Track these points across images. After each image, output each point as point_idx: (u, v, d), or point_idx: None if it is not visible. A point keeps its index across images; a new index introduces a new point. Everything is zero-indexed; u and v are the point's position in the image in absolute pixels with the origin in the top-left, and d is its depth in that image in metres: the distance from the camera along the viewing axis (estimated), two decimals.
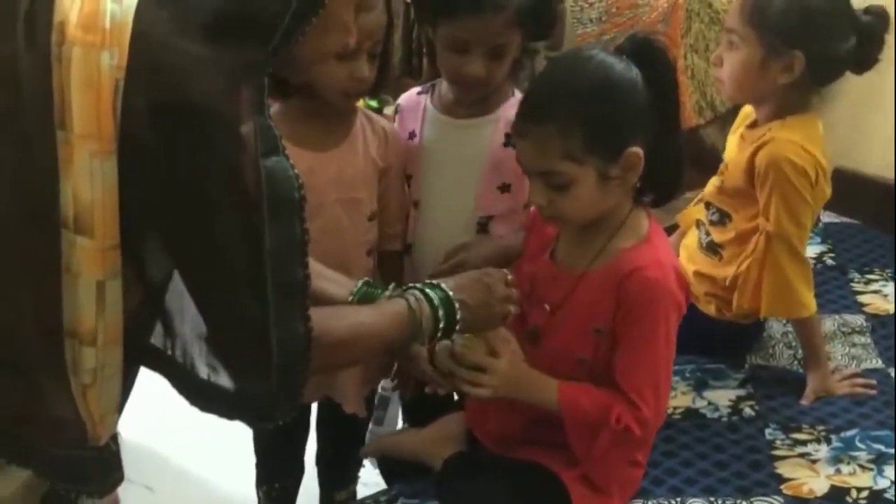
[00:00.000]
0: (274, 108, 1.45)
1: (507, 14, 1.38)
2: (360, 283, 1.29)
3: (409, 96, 1.61)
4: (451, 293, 1.17)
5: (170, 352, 1.04)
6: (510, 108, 1.50)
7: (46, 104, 0.86)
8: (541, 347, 1.34)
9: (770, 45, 1.55)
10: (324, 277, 1.27)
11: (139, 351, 1.02)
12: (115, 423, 0.99)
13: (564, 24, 2.55)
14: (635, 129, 1.21)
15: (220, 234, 0.92)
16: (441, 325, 1.16)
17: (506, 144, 1.49)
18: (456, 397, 1.49)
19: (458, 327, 1.19)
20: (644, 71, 1.21)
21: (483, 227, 1.52)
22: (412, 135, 1.56)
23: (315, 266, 1.13)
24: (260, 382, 0.96)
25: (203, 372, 1.02)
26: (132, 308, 0.96)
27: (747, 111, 1.71)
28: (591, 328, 1.27)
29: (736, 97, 1.71)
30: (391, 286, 1.25)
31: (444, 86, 1.55)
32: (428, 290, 1.17)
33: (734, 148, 1.71)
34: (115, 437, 1.01)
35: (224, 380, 1.01)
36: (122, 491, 2.04)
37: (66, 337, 0.91)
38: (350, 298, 1.26)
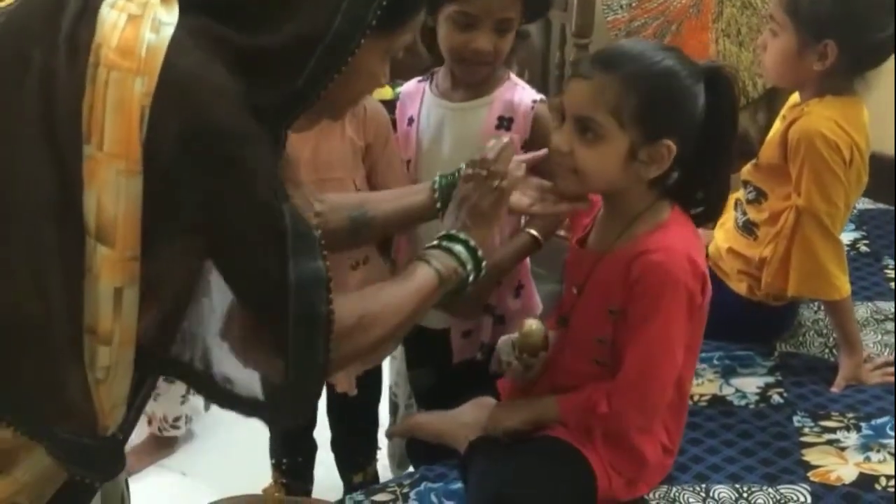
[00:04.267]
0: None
1: None
2: (437, 178, 1.31)
3: (410, 84, 1.64)
4: (469, 240, 1.18)
5: (188, 359, 1.07)
6: (505, 91, 1.53)
7: (76, 119, 0.91)
8: (568, 329, 1.35)
9: (804, 33, 1.55)
10: (402, 196, 1.33)
11: (160, 362, 1.05)
12: (122, 415, 1.03)
13: (594, 11, 2.55)
14: (679, 129, 1.22)
15: (243, 260, 0.97)
16: (470, 278, 1.17)
17: (498, 127, 1.51)
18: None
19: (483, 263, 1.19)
20: (708, 94, 1.24)
21: None
22: (411, 120, 1.59)
23: (387, 193, 1.25)
24: (275, 394, 1.01)
25: (220, 381, 1.06)
26: (150, 320, 1.00)
27: (794, 98, 1.70)
28: (606, 309, 1.28)
29: (777, 82, 1.72)
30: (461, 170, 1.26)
31: (441, 72, 1.57)
32: (449, 245, 1.17)
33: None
34: (123, 429, 1.05)
35: (240, 389, 1.05)
36: (158, 476, 2.11)
37: (85, 332, 0.95)
38: (436, 196, 1.30)
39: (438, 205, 1.30)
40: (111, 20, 0.92)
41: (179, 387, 2.07)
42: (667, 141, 1.21)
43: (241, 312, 1.01)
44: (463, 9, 1.42)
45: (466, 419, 1.45)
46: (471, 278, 1.17)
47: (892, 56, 1.60)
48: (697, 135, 1.24)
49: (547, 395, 1.35)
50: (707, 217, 1.35)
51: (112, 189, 0.91)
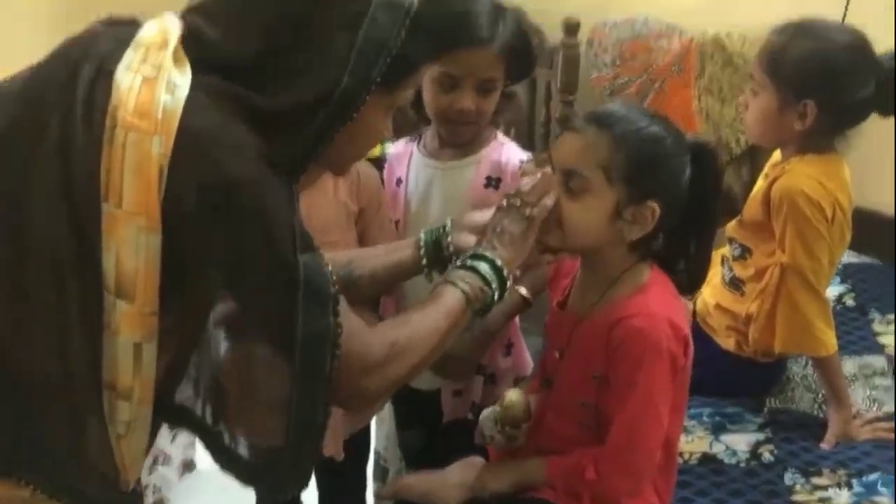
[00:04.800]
0: None
1: (493, 48, 1.44)
2: (422, 235, 1.31)
3: (398, 145, 1.66)
4: (496, 259, 1.18)
5: (200, 412, 1.09)
6: (492, 150, 1.55)
7: (94, 180, 0.94)
8: (552, 392, 1.35)
9: (784, 93, 1.58)
10: (388, 253, 1.33)
11: (166, 408, 1.07)
12: (141, 468, 1.04)
13: (579, 68, 2.59)
14: (664, 193, 1.24)
15: (254, 311, 0.99)
16: (496, 297, 1.18)
17: (486, 186, 1.52)
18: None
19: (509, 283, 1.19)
20: (693, 168, 1.26)
21: None
22: (399, 181, 1.60)
23: (372, 250, 1.25)
24: (273, 457, 1.02)
25: (226, 437, 1.07)
26: (162, 368, 1.01)
27: (776, 156, 1.72)
28: (589, 374, 1.27)
29: (759, 141, 1.75)
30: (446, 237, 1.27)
31: (429, 133, 1.59)
32: (474, 264, 1.17)
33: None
34: (139, 481, 1.06)
35: (242, 448, 1.06)
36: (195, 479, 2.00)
37: (104, 388, 0.97)
38: (421, 252, 1.29)
39: (424, 261, 1.30)
40: (126, 83, 0.95)
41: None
42: (651, 203, 1.23)
43: (239, 368, 1.02)
44: (446, 70, 1.45)
45: (454, 480, 1.43)
46: (496, 297, 1.17)
47: (871, 114, 1.63)
48: (681, 205, 1.25)
49: (534, 458, 1.34)
50: (689, 287, 1.35)
51: (132, 245, 0.94)
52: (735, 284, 1.72)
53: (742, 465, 1.57)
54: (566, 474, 1.28)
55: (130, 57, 0.97)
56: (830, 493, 1.49)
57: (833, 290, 2.02)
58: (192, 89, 0.95)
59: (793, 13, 1.66)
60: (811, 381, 1.77)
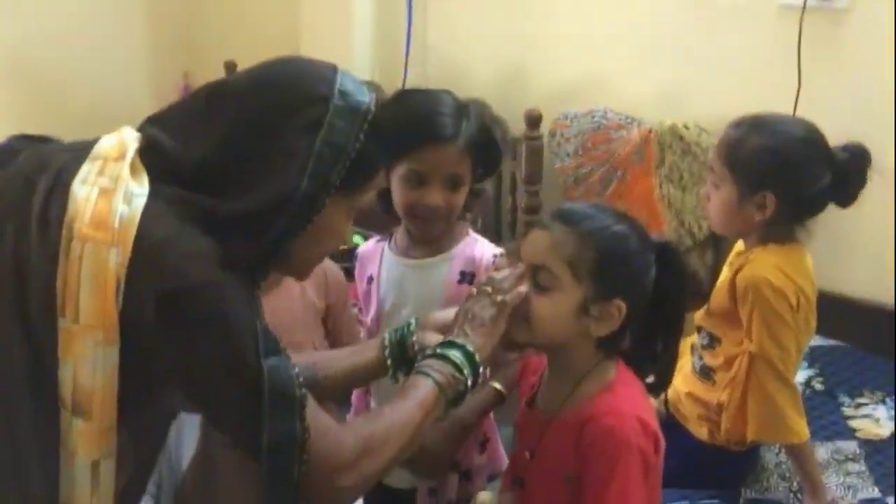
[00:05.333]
0: None
1: (459, 144, 1.46)
2: (386, 335, 1.30)
3: (368, 244, 1.67)
4: (467, 345, 1.18)
5: None
6: (465, 247, 1.55)
7: (50, 295, 0.92)
8: (526, 494, 1.32)
9: (742, 185, 1.61)
10: (352, 354, 1.32)
11: None
12: None
13: (542, 159, 2.64)
14: (630, 290, 1.25)
15: (220, 417, 0.98)
16: (469, 383, 1.17)
17: (460, 282, 1.53)
18: None
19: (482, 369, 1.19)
20: (659, 267, 1.27)
21: None
22: (371, 279, 1.60)
23: (337, 353, 1.24)
24: None
25: None
26: (123, 482, 0.99)
27: (739, 245, 1.75)
28: (562, 476, 1.26)
29: (722, 232, 1.77)
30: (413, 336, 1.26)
31: (399, 231, 1.60)
32: (444, 352, 1.17)
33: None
34: None
35: None
36: None
37: None
38: (386, 353, 1.28)
39: (388, 361, 1.29)
40: (83, 195, 0.94)
41: None
42: (618, 301, 1.24)
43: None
44: (413, 167, 1.47)
45: None
46: (469, 383, 1.16)
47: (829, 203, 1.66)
48: (647, 303, 1.26)
49: None
50: (657, 387, 1.35)
51: (89, 361, 0.91)
52: (705, 373, 1.72)
53: None
54: None
55: (87, 169, 0.96)
56: None
57: (801, 375, 2.03)
58: (150, 198, 0.95)
59: (746, 103, 1.71)
60: (785, 469, 1.76)
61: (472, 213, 1.62)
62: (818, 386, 2.06)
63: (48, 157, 1.00)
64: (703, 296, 1.76)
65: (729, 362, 1.67)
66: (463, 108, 1.50)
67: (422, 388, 1.12)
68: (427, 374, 1.13)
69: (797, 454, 1.65)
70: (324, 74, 1.03)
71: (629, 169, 2.55)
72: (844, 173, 1.61)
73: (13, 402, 0.93)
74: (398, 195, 1.51)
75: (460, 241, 1.56)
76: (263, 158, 0.98)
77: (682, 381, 1.77)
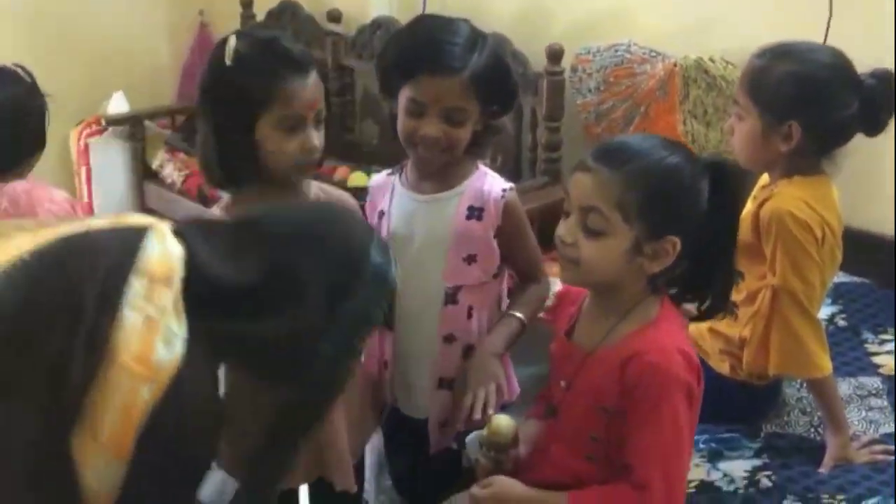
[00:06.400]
0: (226, 198, 1.49)
1: (462, 78, 1.43)
2: None
3: (380, 177, 1.65)
4: None
5: None
6: (474, 181, 1.53)
7: (78, 404, 0.95)
8: (559, 423, 1.33)
9: (767, 116, 1.58)
10: None
11: None
12: None
13: (564, 94, 2.60)
14: (684, 225, 1.23)
15: None
16: None
17: (469, 217, 1.51)
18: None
19: None
20: (711, 188, 1.25)
21: (452, 296, 1.54)
22: (381, 213, 1.59)
23: None
24: None
25: None
26: None
27: (765, 178, 1.72)
28: (599, 407, 1.26)
29: (746, 165, 1.74)
30: None
31: (409, 165, 1.58)
32: None
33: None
34: None
35: None
36: None
37: None
38: None
39: None
40: (130, 323, 0.96)
41: None
42: (672, 237, 1.22)
43: None
44: (412, 96, 1.45)
45: None
46: None
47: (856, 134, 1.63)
48: (702, 231, 1.24)
49: (553, 493, 1.28)
50: (713, 311, 1.33)
51: (100, 470, 0.95)
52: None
53: (741, 492, 1.54)
54: None
55: (135, 290, 0.97)
56: None
57: (825, 311, 2.01)
58: (189, 343, 0.97)
59: (774, 36, 1.66)
60: (806, 404, 1.75)
61: (488, 150, 1.59)
62: (841, 322, 2.04)
63: (94, 252, 1.00)
64: None
65: (751, 297, 1.65)
66: (476, 40, 1.46)
67: None
68: None
69: (819, 389, 1.64)
70: (362, 243, 1.07)
71: (652, 104, 2.51)
72: (872, 100, 1.57)
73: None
74: (399, 122, 1.49)
75: (469, 176, 1.54)
76: (292, 307, 1.01)
77: None
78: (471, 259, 1.52)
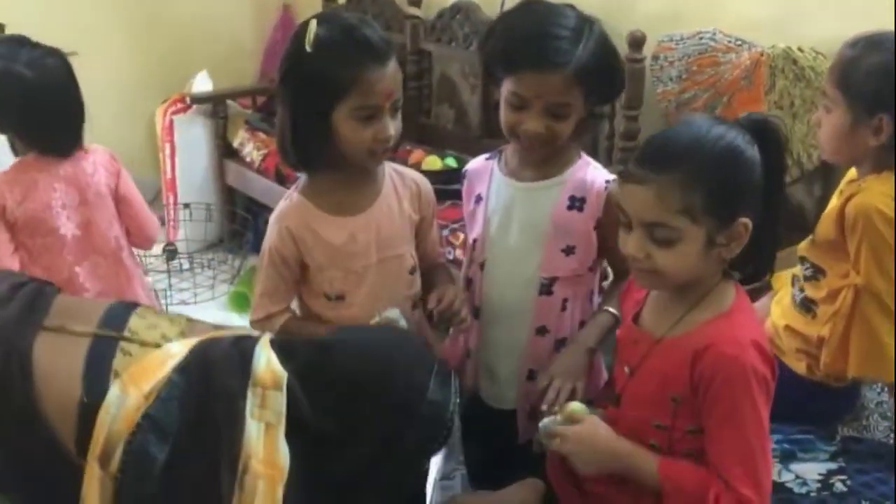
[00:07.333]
0: (302, 179, 1.52)
1: (566, 73, 1.38)
2: None
3: (478, 162, 1.62)
4: None
5: None
6: (577, 170, 1.50)
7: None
8: (622, 410, 1.32)
9: (856, 108, 1.53)
10: None
11: None
12: None
13: (644, 83, 2.55)
14: (749, 202, 1.20)
15: None
16: None
17: (570, 208, 1.48)
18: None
19: None
20: (761, 149, 1.21)
21: (547, 287, 1.51)
22: (479, 198, 1.57)
23: None
24: None
25: None
26: None
27: (852, 173, 1.66)
28: (667, 395, 1.24)
29: (834, 159, 1.69)
30: None
31: (510, 150, 1.55)
32: None
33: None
34: None
35: None
36: None
37: None
38: None
39: None
40: (254, 432, 1.06)
41: None
42: (742, 219, 1.19)
43: None
44: (515, 90, 1.42)
45: (513, 501, 1.41)
46: None
47: None
48: (764, 198, 1.20)
49: (643, 451, 1.25)
50: (758, 273, 1.29)
51: None
52: (806, 306, 1.66)
53: (813, 494, 1.51)
54: (695, 487, 1.20)
55: (252, 401, 1.07)
56: None
57: None
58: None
59: (869, 26, 1.61)
60: (887, 409, 1.70)
61: (587, 138, 1.55)
62: None
63: (213, 369, 1.10)
64: (808, 228, 1.69)
65: (832, 295, 1.61)
66: (582, 29, 1.40)
67: None
68: None
69: None
70: (421, 381, 1.13)
71: (736, 94, 2.44)
72: None
73: None
74: (502, 112, 1.47)
75: (572, 165, 1.50)
76: (360, 443, 1.10)
77: (781, 313, 1.72)
78: (569, 251, 1.49)
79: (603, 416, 1.35)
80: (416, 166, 2.75)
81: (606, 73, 1.44)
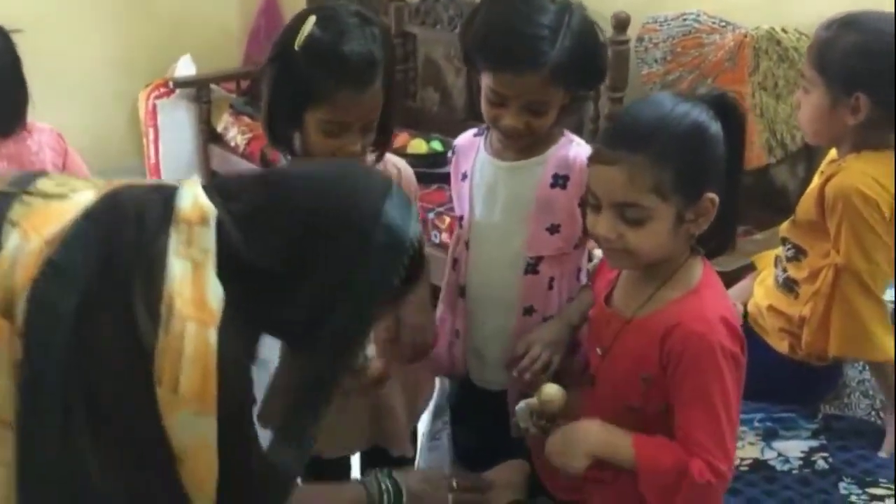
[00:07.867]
0: (282, 163, 1.51)
1: (543, 73, 1.36)
2: (366, 482, 1.31)
3: (466, 137, 1.61)
4: (403, 489, 1.28)
5: None
6: (560, 148, 1.49)
7: (149, 363, 0.96)
8: (596, 391, 1.33)
9: (834, 88, 1.53)
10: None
11: None
12: None
13: (629, 64, 2.55)
14: (714, 177, 1.21)
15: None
16: None
17: (553, 185, 1.48)
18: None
19: None
20: (722, 124, 1.22)
21: (532, 267, 1.51)
22: (465, 175, 1.56)
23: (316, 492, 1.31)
24: None
25: None
26: None
27: (833, 154, 1.67)
28: (638, 375, 1.24)
29: (813, 139, 1.69)
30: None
31: (494, 132, 1.54)
32: (385, 481, 1.29)
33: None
34: None
35: None
36: None
37: None
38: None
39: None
40: (179, 271, 0.97)
41: None
42: (709, 194, 1.20)
43: None
44: (493, 87, 1.40)
45: (498, 482, 1.42)
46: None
47: None
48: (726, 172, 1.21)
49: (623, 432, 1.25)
50: (721, 248, 1.30)
51: (186, 427, 0.97)
52: (788, 286, 1.67)
53: (795, 472, 1.52)
54: (672, 464, 1.20)
55: (175, 240, 0.98)
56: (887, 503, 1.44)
57: (891, 293, 1.95)
58: (226, 304, 0.97)
59: (851, 5, 1.61)
60: (868, 387, 1.71)
61: (571, 120, 1.53)
62: None
63: (124, 212, 1.01)
64: (790, 210, 1.70)
65: (814, 275, 1.61)
66: (561, 24, 1.36)
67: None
68: (367, 489, 1.27)
69: (881, 371, 1.60)
70: (373, 207, 1.04)
71: (720, 76, 2.45)
72: None
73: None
74: (482, 104, 1.45)
75: (555, 143, 1.48)
76: (312, 280, 1.02)
77: (764, 293, 1.73)
78: (554, 229, 1.49)
79: (578, 397, 1.36)
80: (402, 149, 2.74)
81: (586, 65, 1.42)
